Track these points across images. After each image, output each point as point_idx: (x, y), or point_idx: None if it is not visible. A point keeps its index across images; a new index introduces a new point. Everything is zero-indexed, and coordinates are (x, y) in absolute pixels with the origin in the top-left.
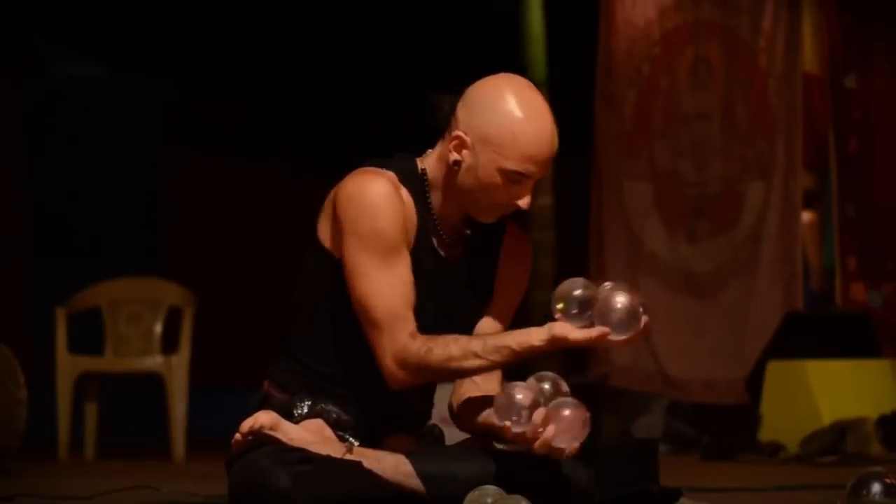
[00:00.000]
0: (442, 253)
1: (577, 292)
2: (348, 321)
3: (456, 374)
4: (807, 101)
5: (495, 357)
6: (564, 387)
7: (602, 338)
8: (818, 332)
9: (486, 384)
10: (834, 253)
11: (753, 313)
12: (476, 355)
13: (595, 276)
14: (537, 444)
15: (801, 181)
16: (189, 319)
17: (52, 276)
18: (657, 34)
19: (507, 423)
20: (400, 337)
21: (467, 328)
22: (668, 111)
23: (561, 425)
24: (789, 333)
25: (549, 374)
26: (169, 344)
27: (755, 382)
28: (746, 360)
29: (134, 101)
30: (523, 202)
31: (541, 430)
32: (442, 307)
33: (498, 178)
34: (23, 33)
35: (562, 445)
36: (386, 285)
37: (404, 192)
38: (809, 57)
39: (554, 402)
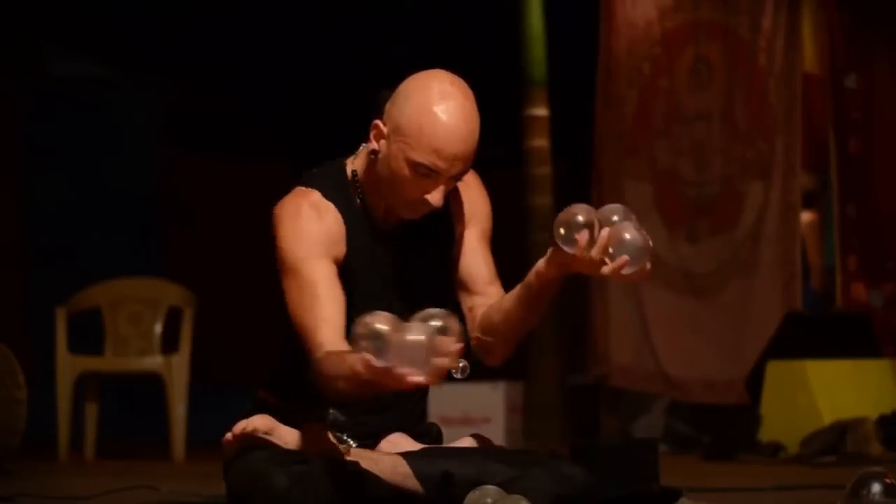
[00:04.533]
0: (391, 240)
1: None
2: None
3: (334, 393)
4: (807, 101)
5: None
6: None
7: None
8: (818, 332)
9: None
10: (834, 253)
11: (753, 313)
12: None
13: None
14: (607, 269)
15: (801, 181)
16: (189, 319)
17: (52, 276)
18: (657, 34)
19: (579, 242)
20: (312, 352)
21: (445, 289)
22: (668, 111)
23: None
24: (789, 333)
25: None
26: (169, 344)
27: (755, 382)
28: (746, 360)
29: (134, 101)
30: (433, 198)
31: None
32: (409, 287)
33: (406, 170)
34: (23, 33)
35: (627, 272)
36: (296, 303)
37: (330, 206)
38: (809, 57)
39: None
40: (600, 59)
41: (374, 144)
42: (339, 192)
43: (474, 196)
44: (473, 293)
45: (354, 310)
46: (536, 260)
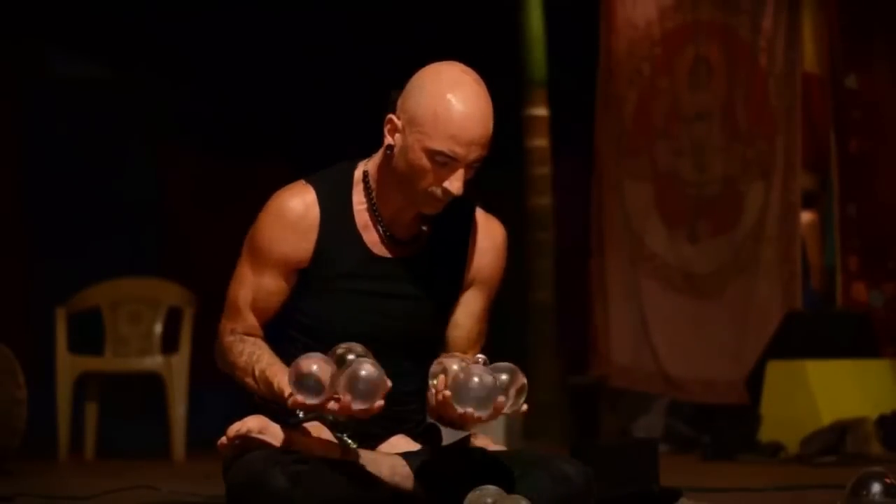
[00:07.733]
0: (390, 254)
1: (314, 369)
2: (330, 331)
3: (238, 381)
4: (807, 101)
5: (262, 387)
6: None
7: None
8: (818, 332)
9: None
10: (835, 253)
11: (753, 313)
12: (252, 376)
13: (595, 276)
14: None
15: (801, 181)
16: (189, 319)
17: (52, 276)
18: (657, 34)
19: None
20: (224, 326)
21: (434, 321)
22: (668, 111)
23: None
24: (789, 333)
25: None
26: (169, 344)
27: (755, 382)
28: (746, 360)
29: (134, 101)
30: (453, 187)
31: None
32: (398, 308)
33: (425, 160)
34: (23, 33)
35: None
36: (241, 281)
37: (314, 212)
38: (809, 57)
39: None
40: (600, 59)
41: (389, 139)
42: (338, 195)
43: (497, 264)
44: (446, 351)
45: (331, 322)
46: (536, 260)
